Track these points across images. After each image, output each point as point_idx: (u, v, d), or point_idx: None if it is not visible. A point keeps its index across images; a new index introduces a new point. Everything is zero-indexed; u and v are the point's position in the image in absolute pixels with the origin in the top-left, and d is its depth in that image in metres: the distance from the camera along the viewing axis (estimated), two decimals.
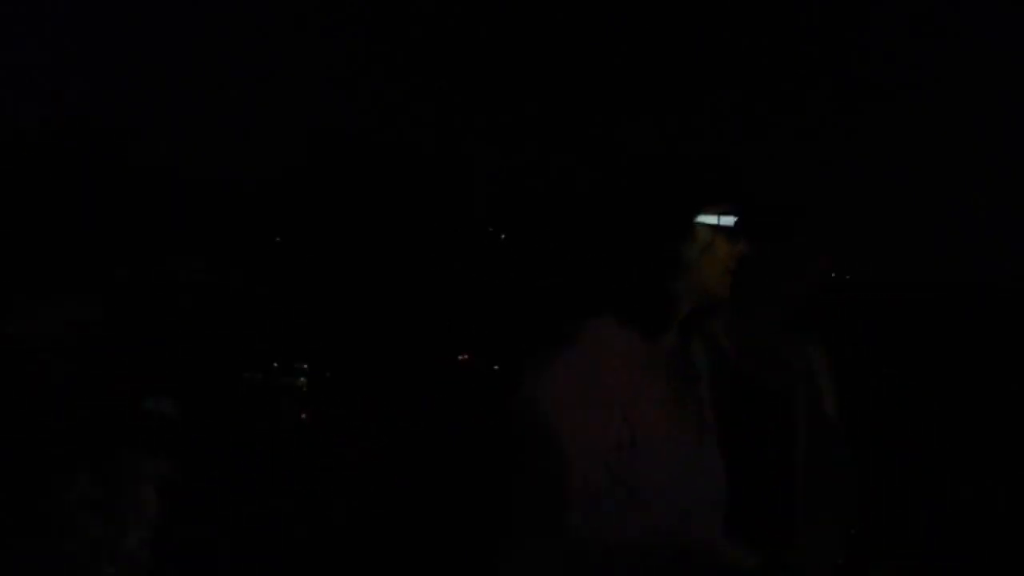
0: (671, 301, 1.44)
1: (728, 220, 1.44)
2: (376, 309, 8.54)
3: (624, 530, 1.34)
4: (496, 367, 7.75)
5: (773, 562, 1.53)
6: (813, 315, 1.85)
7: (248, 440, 6.20)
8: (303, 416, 6.37)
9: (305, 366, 6.83)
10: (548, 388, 1.35)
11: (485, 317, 8.95)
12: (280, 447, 6.09)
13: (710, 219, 1.43)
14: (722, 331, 1.72)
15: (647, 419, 1.37)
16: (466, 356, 8.07)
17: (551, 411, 1.33)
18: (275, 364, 6.75)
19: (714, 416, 1.52)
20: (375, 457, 6.00)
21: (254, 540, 4.42)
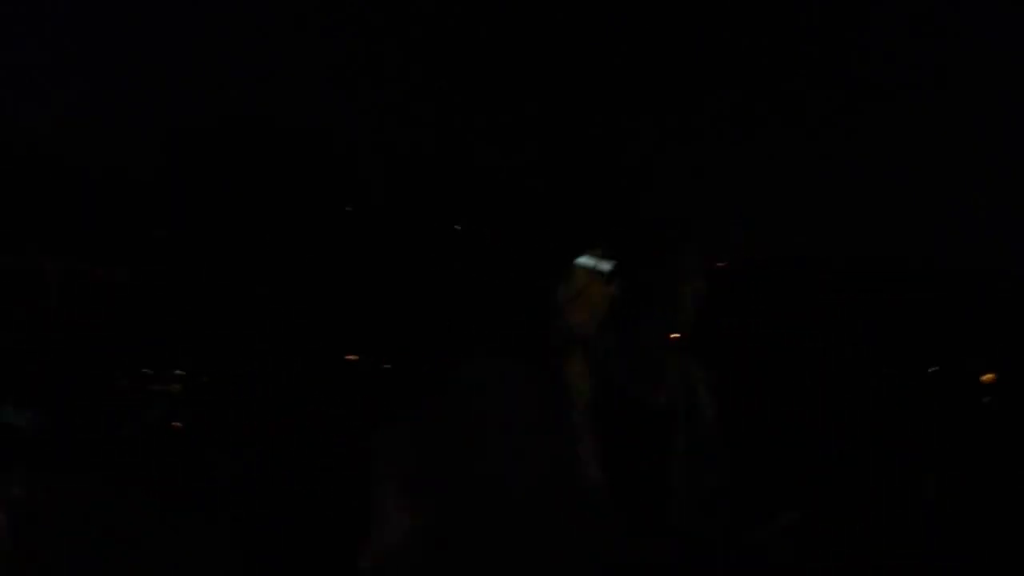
0: (545, 338, 1.52)
1: (605, 265, 1.53)
2: (258, 308, 8.27)
3: (493, 552, 1.40)
4: (387, 367, 7.65)
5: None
6: (697, 333, 1.91)
7: (114, 451, 5.90)
8: (176, 425, 6.08)
9: (180, 371, 6.55)
10: (438, 424, 1.44)
11: (377, 316, 8.79)
12: (149, 458, 5.82)
13: (587, 262, 1.53)
14: (611, 354, 1.78)
15: (521, 448, 1.43)
16: (355, 357, 7.94)
17: (438, 446, 1.41)
18: (146, 370, 6.43)
19: (592, 439, 1.58)
20: (255, 465, 5.81)
21: (118, 555, 4.22)
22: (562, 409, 1.56)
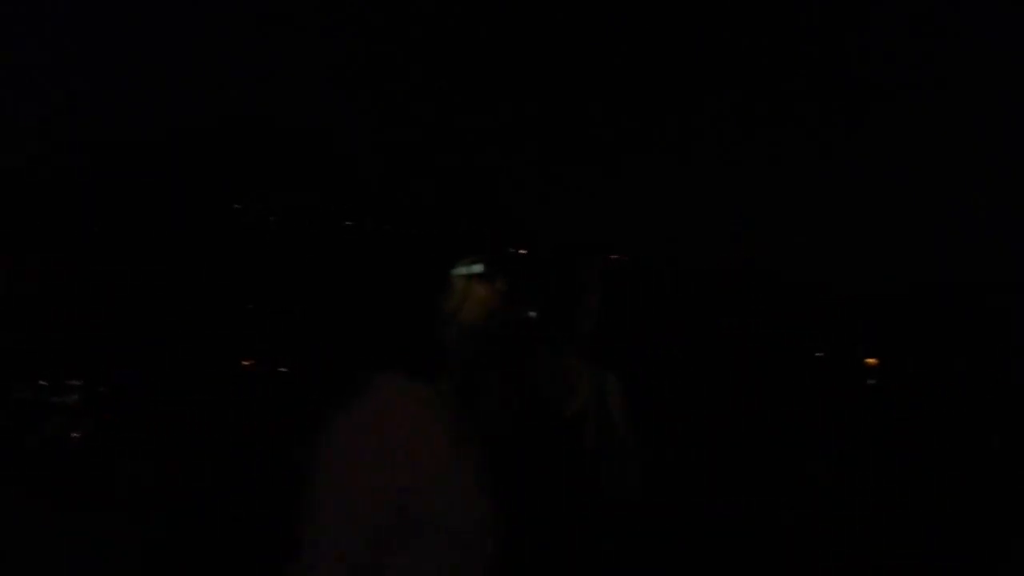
0: (445, 348, 1.59)
1: (477, 268, 1.62)
2: (153, 316, 8.23)
3: (410, 560, 1.47)
4: (282, 370, 7.71)
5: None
6: (605, 346, 2.10)
7: (13, 463, 5.91)
8: (74, 435, 6.11)
9: (77, 382, 6.54)
10: (341, 440, 1.48)
11: (271, 320, 8.83)
12: (49, 469, 5.85)
13: (461, 270, 1.61)
14: (536, 367, 1.97)
15: (431, 460, 1.49)
16: (250, 361, 7.95)
17: (342, 461, 1.46)
18: (42, 381, 6.41)
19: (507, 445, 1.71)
20: (157, 474, 5.87)
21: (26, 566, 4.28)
22: (469, 424, 1.60)
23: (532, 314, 1.99)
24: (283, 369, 8.02)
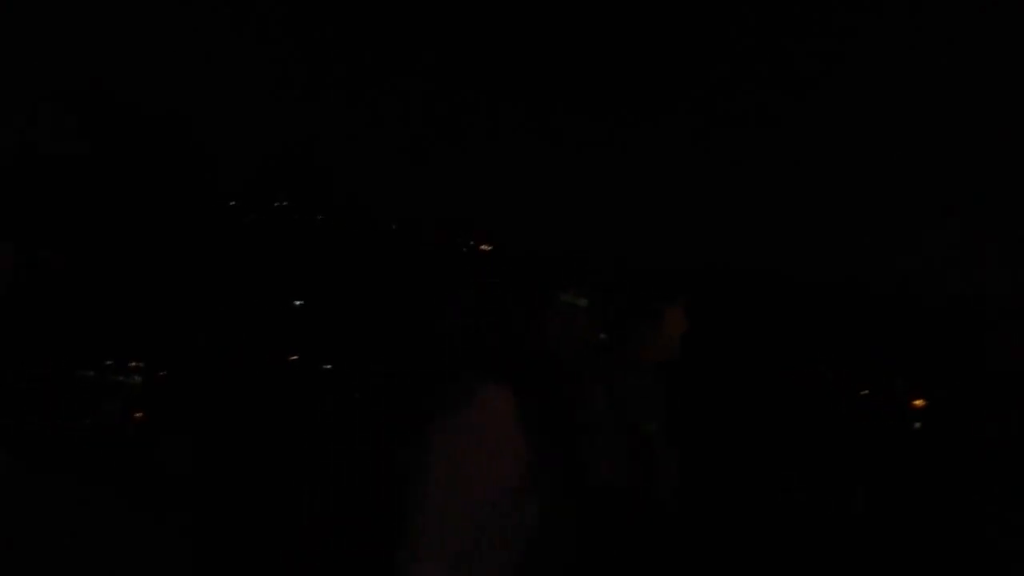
0: (544, 362, 1.67)
1: (583, 301, 1.71)
2: (213, 308, 8.22)
3: (501, 562, 1.54)
4: (328, 367, 7.71)
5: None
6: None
7: (76, 440, 5.86)
8: (137, 415, 6.10)
9: (140, 364, 6.52)
10: (452, 439, 1.52)
11: (316, 317, 8.85)
12: (107, 449, 5.81)
13: (568, 298, 1.69)
14: (620, 382, 2.03)
15: (525, 470, 1.55)
16: (297, 356, 7.97)
17: (454, 460, 1.51)
18: (108, 362, 6.39)
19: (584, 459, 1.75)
20: (214, 458, 5.86)
21: (82, 543, 4.26)
22: (558, 439, 1.66)
23: (603, 336, 2.08)
24: (327, 366, 8.03)
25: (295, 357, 7.92)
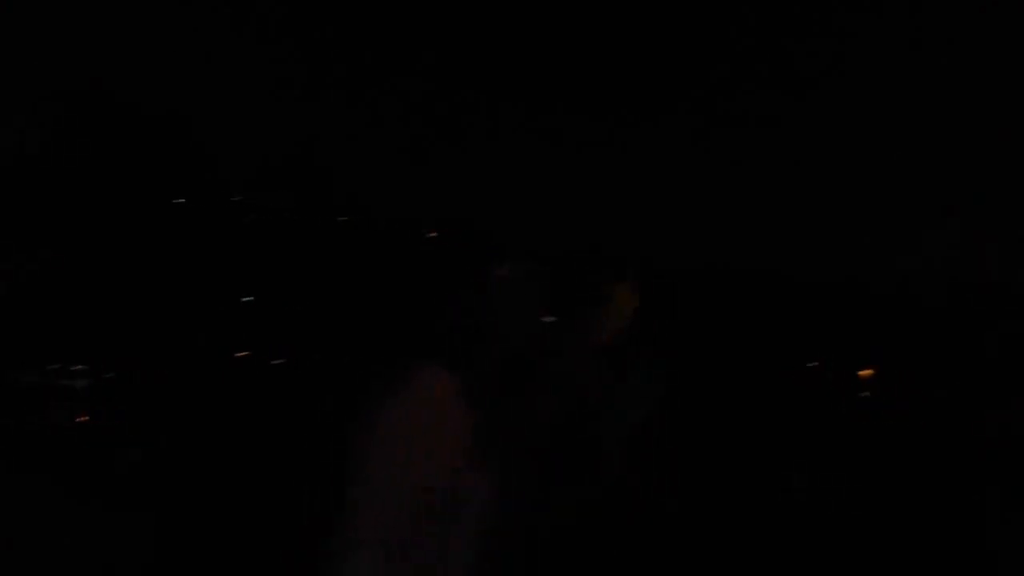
0: (481, 344, 1.68)
1: (520, 272, 1.71)
2: (157, 304, 8.24)
3: (442, 544, 1.56)
4: (276, 362, 7.75)
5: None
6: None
7: (21, 446, 5.92)
8: (81, 419, 6.13)
9: (83, 367, 6.55)
10: (385, 425, 1.55)
11: (266, 312, 8.85)
12: (52, 454, 5.86)
13: (504, 272, 1.71)
14: (571, 365, 1.99)
15: (464, 452, 1.57)
16: (247, 352, 7.99)
17: (386, 445, 1.54)
18: (53, 365, 6.43)
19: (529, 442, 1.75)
20: (160, 461, 5.90)
21: (31, 548, 4.28)
22: (500, 418, 1.66)
23: (551, 319, 2.04)
24: (276, 362, 8.04)
25: (244, 354, 7.93)
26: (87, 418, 6.27)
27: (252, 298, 8.90)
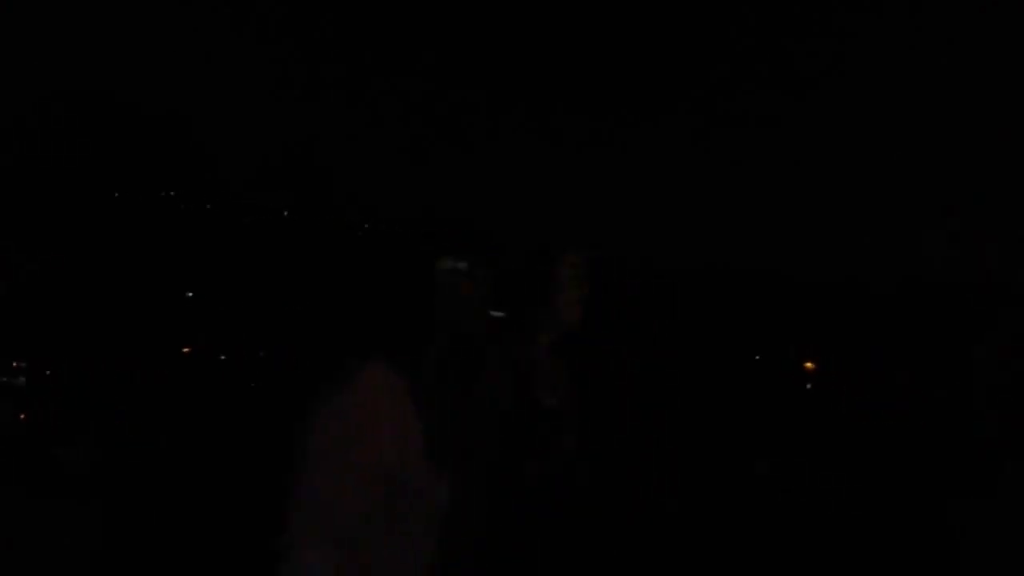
0: (426, 340, 1.67)
1: (462, 265, 1.68)
2: (97, 303, 8.10)
3: (391, 538, 1.56)
4: (223, 357, 7.63)
5: None
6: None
7: None
8: (22, 417, 5.94)
9: (23, 364, 6.37)
10: (329, 422, 1.54)
11: (211, 308, 8.74)
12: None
13: (446, 266, 1.68)
14: (520, 357, 2.00)
15: (412, 443, 1.58)
16: (189, 348, 7.91)
17: (330, 442, 1.53)
18: None
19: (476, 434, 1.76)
20: (102, 455, 5.77)
21: None
22: (446, 413, 1.68)
23: (499, 313, 2.01)
24: (222, 357, 7.97)
25: (187, 350, 7.81)
26: (26, 415, 6.06)
27: (192, 294, 8.74)
